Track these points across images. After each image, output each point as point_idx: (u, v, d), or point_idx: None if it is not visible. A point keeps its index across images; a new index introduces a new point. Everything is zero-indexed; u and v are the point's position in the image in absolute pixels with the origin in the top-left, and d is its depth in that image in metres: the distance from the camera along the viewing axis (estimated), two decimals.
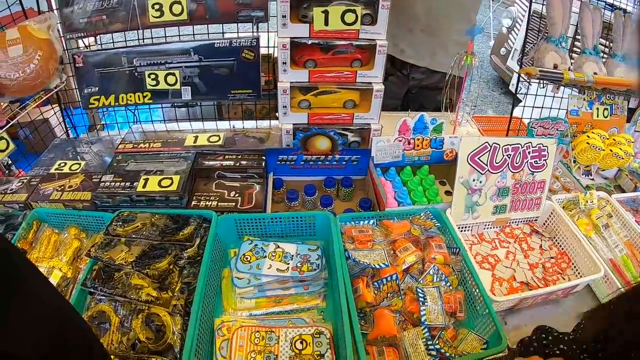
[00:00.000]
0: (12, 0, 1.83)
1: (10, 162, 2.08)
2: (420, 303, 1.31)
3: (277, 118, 1.75)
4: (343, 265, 1.34)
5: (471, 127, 2.20)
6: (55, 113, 2.17)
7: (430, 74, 2.33)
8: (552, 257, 1.64)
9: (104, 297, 1.33)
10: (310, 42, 1.60)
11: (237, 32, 1.80)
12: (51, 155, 1.97)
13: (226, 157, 1.73)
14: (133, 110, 2.01)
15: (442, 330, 1.28)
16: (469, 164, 1.58)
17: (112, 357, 1.20)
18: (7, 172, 1.98)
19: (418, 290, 1.33)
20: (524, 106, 2.32)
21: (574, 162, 2.06)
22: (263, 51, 1.78)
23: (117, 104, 1.86)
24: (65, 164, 1.87)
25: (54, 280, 1.44)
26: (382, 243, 1.46)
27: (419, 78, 2.37)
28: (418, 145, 1.74)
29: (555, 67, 1.88)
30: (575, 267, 1.60)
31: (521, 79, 1.92)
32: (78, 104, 1.97)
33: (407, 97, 2.49)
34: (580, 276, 1.54)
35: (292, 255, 1.44)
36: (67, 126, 2.15)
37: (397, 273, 1.36)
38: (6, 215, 1.67)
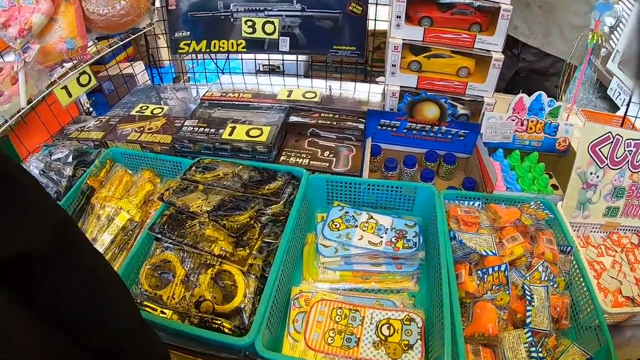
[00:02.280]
0: None
1: (91, 109, 2.03)
2: (527, 302, 1.10)
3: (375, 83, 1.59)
4: (447, 246, 1.16)
5: (579, 119, 1.98)
6: (139, 71, 2.09)
7: (542, 56, 2.11)
8: None
9: (171, 245, 1.20)
10: None
11: None
12: (133, 99, 1.89)
13: (322, 114, 1.57)
14: (221, 67, 1.90)
15: (545, 337, 1.07)
16: (589, 153, 1.37)
17: (169, 312, 1.07)
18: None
19: (525, 287, 1.13)
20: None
21: None
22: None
23: (207, 50, 1.75)
24: (147, 107, 1.77)
25: (120, 222, 1.34)
26: (489, 228, 1.28)
27: (530, 60, 2.14)
28: (531, 128, 1.54)
29: None
30: None
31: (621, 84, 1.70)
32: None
33: (514, 80, 2.27)
34: None
35: (387, 229, 1.26)
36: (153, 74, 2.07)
37: (507, 264, 1.17)
38: (80, 151, 1.59)
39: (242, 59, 1.87)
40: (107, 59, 2.13)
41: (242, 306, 1.07)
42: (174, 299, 1.10)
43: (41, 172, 1.50)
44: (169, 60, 2.07)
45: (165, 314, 1.06)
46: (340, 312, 1.11)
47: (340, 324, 1.09)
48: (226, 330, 1.01)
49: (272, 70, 2.08)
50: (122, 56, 2.20)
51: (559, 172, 1.52)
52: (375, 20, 1.73)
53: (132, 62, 2.15)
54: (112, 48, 1.76)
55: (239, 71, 1.93)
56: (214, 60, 1.92)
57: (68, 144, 1.61)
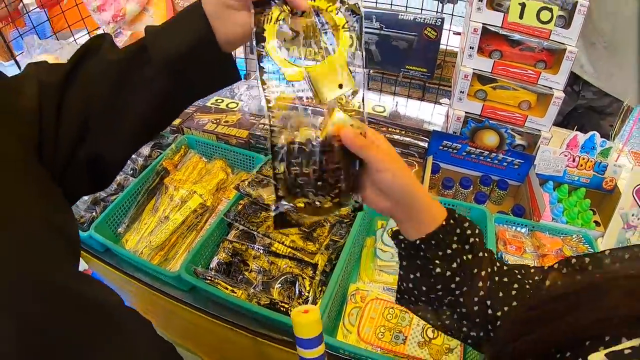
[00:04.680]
0: None
1: None
2: None
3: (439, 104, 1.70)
4: None
5: (629, 161, 2.04)
6: None
7: (601, 95, 2.17)
8: None
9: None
10: (501, 32, 1.52)
11: (421, 9, 1.75)
12: None
13: (389, 129, 1.68)
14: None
15: None
16: (634, 196, 1.45)
17: (239, 292, 1.19)
18: None
19: None
20: None
21: None
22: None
23: None
24: (223, 100, 1.90)
25: (192, 204, 1.45)
26: (532, 254, 1.37)
27: (589, 97, 2.21)
28: (581, 165, 1.63)
29: None
30: None
31: None
32: None
33: (570, 115, 2.34)
34: None
35: None
36: None
37: None
38: None
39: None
40: None
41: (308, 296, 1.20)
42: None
43: None
44: (244, 57, 2.20)
45: (235, 293, 1.19)
46: (392, 311, 1.22)
47: (391, 322, 1.20)
48: None
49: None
50: None
51: (603, 209, 1.58)
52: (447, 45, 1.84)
53: None
54: None
55: None
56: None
57: None
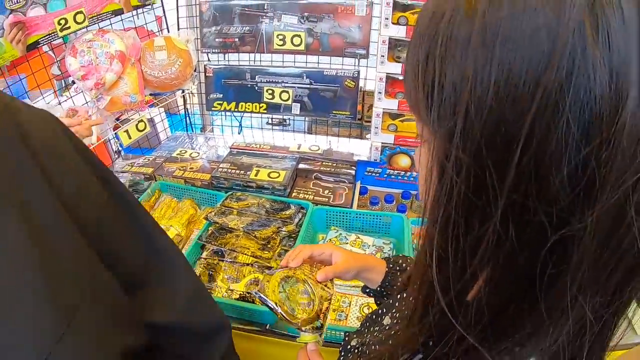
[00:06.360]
0: (149, 19, 2.30)
1: (120, 149, 2.51)
2: None
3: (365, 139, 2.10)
4: (412, 256, 1.64)
5: None
6: (159, 114, 2.61)
7: None
8: None
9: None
10: (401, 77, 1.94)
11: (342, 65, 2.17)
12: (172, 144, 2.39)
13: (323, 163, 2.09)
14: (240, 121, 2.41)
15: None
16: None
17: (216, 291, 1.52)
18: (115, 157, 2.41)
19: None
20: None
21: None
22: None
23: (236, 110, 2.26)
24: (186, 151, 2.27)
25: (170, 235, 1.78)
26: None
27: None
28: None
29: None
30: None
31: None
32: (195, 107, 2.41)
33: None
34: None
35: (369, 245, 1.74)
36: (189, 122, 2.58)
37: None
38: (133, 182, 2.05)
39: (261, 117, 2.37)
40: None
41: None
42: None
43: None
44: (200, 113, 2.59)
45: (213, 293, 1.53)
46: (336, 297, 1.58)
47: (335, 305, 1.55)
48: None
49: (280, 123, 2.60)
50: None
51: None
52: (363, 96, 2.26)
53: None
54: (161, 105, 2.27)
55: (249, 125, 2.45)
56: (235, 117, 2.43)
57: (123, 175, 2.09)
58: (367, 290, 1.10)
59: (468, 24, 0.37)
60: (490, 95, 0.36)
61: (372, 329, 0.84)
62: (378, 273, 1.03)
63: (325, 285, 0.98)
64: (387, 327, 0.77)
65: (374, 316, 0.87)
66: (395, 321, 0.76)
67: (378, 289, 1.05)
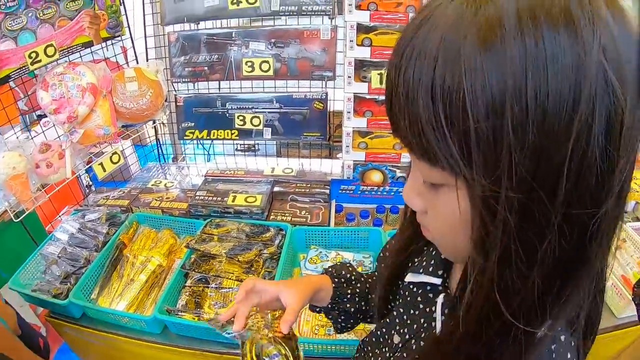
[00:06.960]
0: (118, 51, 2.32)
1: (91, 183, 2.51)
2: None
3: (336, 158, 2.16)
4: None
5: None
6: (130, 146, 2.62)
7: None
8: None
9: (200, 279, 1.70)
10: (368, 97, 2.01)
11: (310, 87, 2.22)
12: (145, 175, 2.40)
13: (298, 185, 2.13)
14: (208, 149, 2.45)
15: None
16: None
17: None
18: (87, 190, 2.41)
19: None
20: None
21: None
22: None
23: (208, 137, 2.29)
24: (161, 181, 2.29)
25: (151, 266, 1.77)
26: None
27: None
28: None
29: None
30: None
31: None
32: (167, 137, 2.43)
33: None
34: None
35: (350, 261, 1.79)
36: (161, 152, 2.60)
37: None
38: (110, 215, 2.04)
39: (233, 143, 2.40)
40: None
41: None
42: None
43: (78, 230, 1.91)
44: (172, 143, 2.60)
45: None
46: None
47: (323, 321, 1.58)
48: None
49: (249, 149, 2.64)
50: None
51: None
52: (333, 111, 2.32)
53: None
54: (133, 137, 2.28)
55: (220, 152, 2.49)
56: (204, 146, 2.46)
57: (99, 209, 2.08)
58: (317, 310, 1.11)
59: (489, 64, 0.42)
60: (530, 134, 0.41)
61: (377, 351, 0.89)
62: (326, 290, 1.05)
63: (289, 332, 0.94)
64: (400, 345, 0.81)
65: (373, 339, 0.91)
66: (408, 337, 0.79)
67: (328, 305, 1.06)
